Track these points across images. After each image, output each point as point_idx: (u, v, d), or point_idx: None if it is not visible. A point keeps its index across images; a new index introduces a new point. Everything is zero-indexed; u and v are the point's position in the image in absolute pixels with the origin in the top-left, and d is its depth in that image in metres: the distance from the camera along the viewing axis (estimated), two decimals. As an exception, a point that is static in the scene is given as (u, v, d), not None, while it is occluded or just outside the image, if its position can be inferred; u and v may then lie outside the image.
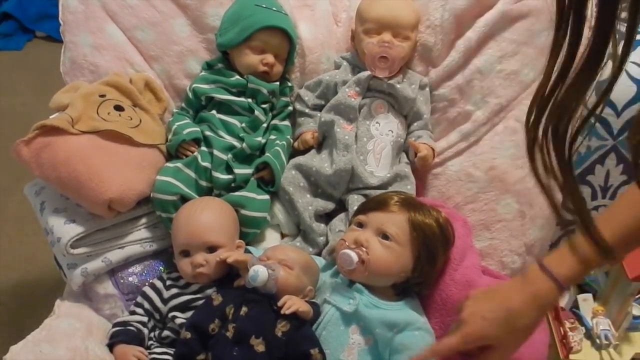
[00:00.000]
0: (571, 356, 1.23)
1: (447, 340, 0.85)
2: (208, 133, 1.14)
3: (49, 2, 2.94)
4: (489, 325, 0.83)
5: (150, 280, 1.09)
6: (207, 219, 1.04)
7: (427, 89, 1.21)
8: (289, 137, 1.21)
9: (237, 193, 1.12)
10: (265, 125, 1.18)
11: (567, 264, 0.78)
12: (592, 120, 0.56)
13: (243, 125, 1.16)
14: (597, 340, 1.23)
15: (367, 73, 1.16)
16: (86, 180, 1.01)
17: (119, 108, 1.12)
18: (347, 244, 0.95)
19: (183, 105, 1.22)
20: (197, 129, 1.15)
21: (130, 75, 1.20)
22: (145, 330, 1.02)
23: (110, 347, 0.99)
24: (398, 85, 1.16)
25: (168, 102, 1.23)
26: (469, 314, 0.84)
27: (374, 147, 1.15)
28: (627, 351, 1.24)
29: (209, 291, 1.02)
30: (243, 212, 1.10)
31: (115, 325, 1.03)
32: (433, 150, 1.17)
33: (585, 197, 1.55)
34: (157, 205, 1.09)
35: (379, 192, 1.11)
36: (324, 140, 1.20)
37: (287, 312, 0.91)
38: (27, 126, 1.06)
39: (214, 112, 1.17)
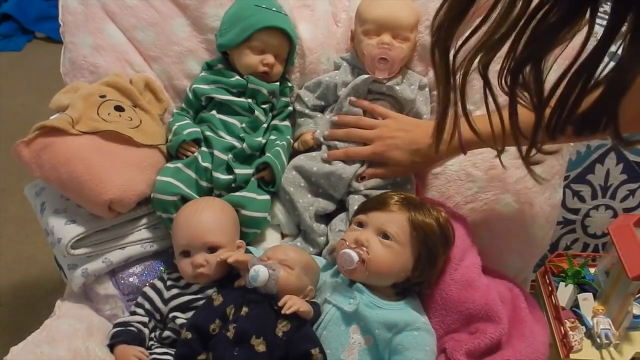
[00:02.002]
0: (571, 355, 1.23)
1: (361, 149, 1.12)
2: (208, 133, 1.14)
3: (49, 3, 2.95)
4: (400, 154, 1.10)
5: (151, 281, 1.09)
6: (207, 219, 1.04)
7: (427, 89, 1.21)
8: (289, 137, 1.21)
9: (237, 193, 1.12)
10: (265, 125, 1.18)
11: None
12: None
13: (243, 125, 1.16)
14: (598, 340, 1.24)
15: (363, 77, 1.15)
16: (86, 181, 1.01)
17: (119, 109, 1.13)
18: (347, 243, 0.95)
19: (183, 105, 1.22)
20: (198, 129, 1.15)
21: (130, 76, 1.20)
22: (146, 331, 1.02)
23: (111, 347, 0.99)
24: (397, 87, 1.16)
25: (168, 103, 1.23)
26: (388, 136, 1.10)
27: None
28: (628, 350, 1.24)
29: (210, 291, 1.02)
30: (243, 212, 1.10)
31: (115, 325, 1.03)
32: None
33: (585, 196, 1.56)
34: (158, 205, 1.09)
35: (379, 192, 1.11)
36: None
37: (288, 312, 0.91)
38: (27, 127, 1.06)
39: (214, 112, 1.17)
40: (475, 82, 1.15)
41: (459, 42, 0.64)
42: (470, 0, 0.60)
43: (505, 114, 0.70)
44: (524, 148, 0.71)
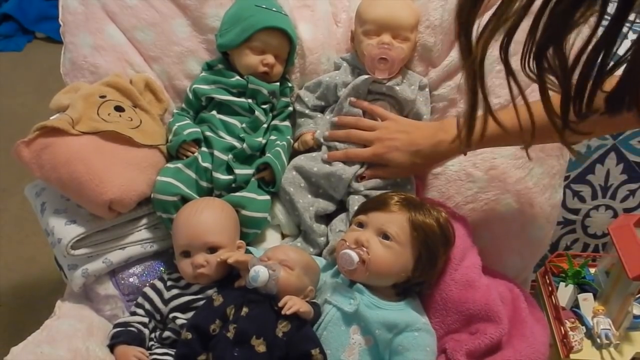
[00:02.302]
0: (572, 356, 1.23)
1: (361, 151, 1.12)
2: (208, 134, 1.14)
3: (49, 3, 2.95)
4: (400, 155, 1.09)
5: (151, 281, 1.09)
6: (207, 219, 1.04)
7: (427, 89, 1.21)
8: (289, 137, 1.21)
9: (237, 193, 1.12)
10: (265, 125, 1.18)
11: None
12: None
13: (243, 125, 1.16)
14: (598, 340, 1.24)
15: (363, 77, 1.15)
16: (87, 181, 1.01)
17: (119, 109, 1.13)
18: (347, 244, 0.95)
19: (183, 105, 1.22)
20: (198, 129, 1.15)
21: (131, 76, 1.20)
22: (146, 331, 1.02)
23: (111, 347, 0.99)
24: (398, 87, 1.16)
25: (168, 103, 1.23)
26: (388, 138, 1.10)
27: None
28: (628, 350, 1.24)
29: (210, 292, 1.02)
30: (244, 212, 1.10)
31: (116, 326, 1.03)
32: None
33: (585, 197, 1.56)
34: (158, 205, 1.09)
35: (379, 192, 1.11)
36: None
37: (288, 312, 0.91)
38: (28, 127, 1.06)
39: (214, 112, 1.17)
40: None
41: (481, 28, 0.64)
42: None
43: (522, 104, 0.70)
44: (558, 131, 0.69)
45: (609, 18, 0.58)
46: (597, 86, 0.63)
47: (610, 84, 0.64)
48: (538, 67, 0.64)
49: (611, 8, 0.58)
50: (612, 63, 0.61)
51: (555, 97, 0.67)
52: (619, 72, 0.63)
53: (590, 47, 0.60)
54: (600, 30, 0.59)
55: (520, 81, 0.67)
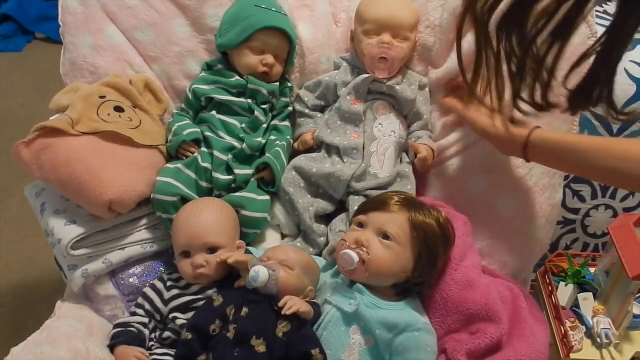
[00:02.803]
0: (572, 355, 1.22)
1: (465, 109, 1.07)
2: (208, 134, 1.14)
3: (49, 4, 2.95)
4: (493, 131, 1.01)
5: (151, 282, 1.09)
6: (207, 219, 1.04)
7: (427, 89, 1.21)
8: (289, 137, 1.21)
9: (237, 194, 1.12)
10: (265, 125, 1.18)
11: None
12: None
13: (243, 126, 1.16)
14: (598, 340, 1.23)
15: (364, 76, 1.16)
16: (86, 182, 1.01)
17: (119, 109, 1.13)
18: (347, 244, 0.96)
19: (183, 106, 1.22)
20: (197, 129, 1.15)
21: (130, 77, 1.20)
22: (146, 332, 1.02)
23: (111, 348, 0.99)
24: (398, 87, 1.16)
25: (168, 103, 1.23)
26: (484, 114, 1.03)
27: (377, 149, 1.15)
28: (628, 350, 1.24)
29: (210, 292, 1.02)
30: (243, 212, 1.10)
31: (116, 326, 1.03)
32: (433, 151, 1.17)
33: (585, 196, 1.56)
34: (158, 206, 1.09)
35: (379, 192, 1.11)
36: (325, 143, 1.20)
37: (288, 312, 0.91)
38: (28, 128, 1.06)
39: (214, 112, 1.17)
40: None
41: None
42: None
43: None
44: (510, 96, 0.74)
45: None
46: (553, 72, 0.64)
47: (571, 82, 0.65)
48: (499, 35, 0.65)
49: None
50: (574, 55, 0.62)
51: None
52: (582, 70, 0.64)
53: (549, 30, 0.61)
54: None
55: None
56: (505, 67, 0.72)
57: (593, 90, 0.65)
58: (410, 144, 1.17)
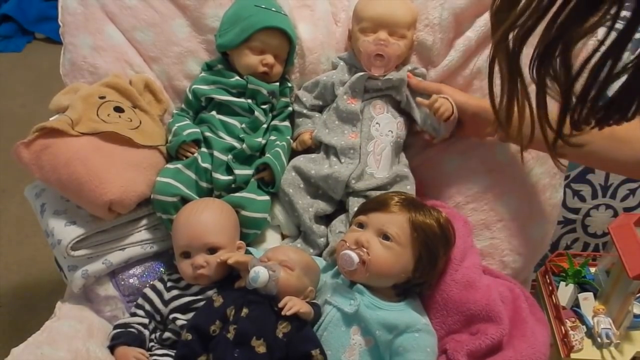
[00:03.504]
0: (572, 355, 1.23)
1: (428, 82, 1.15)
2: (208, 134, 1.14)
3: (49, 4, 2.95)
4: (463, 98, 1.09)
5: (151, 282, 1.08)
6: (207, 220, 1.04)
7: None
8: (289, 137, 1.21)
9: (237, 194, 1.12)
10: (265, 126, 1.18)
11: None
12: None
13: (243, 126, 1.16)
14: (598, 339, 1.23)
15: (359, 74, 1.15)
16: (86, 182, 1.01)
17: (118, 109, 1.12)
18: (347, 244, 0.95)
19: (183, 106, 1.22)
20: (197, 130, 1.15)
21: (130, 77, 1.20)
22: (146, 332, 1.02)
23: (111, 348, 0.99)
24: (393, 77, 1.15)
25: (168, 103, 1.23)
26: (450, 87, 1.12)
27: (374, 149, 1.15)
28: (628, 350, 1.24)
29: (210, 292, 1.02)
30: (243, 213, 1.10)
31: (116, 327, 1.03)
32: (449, 101, 1.09)
33: (585, 196, 1.56)
34: (158, 206, 1.09)
35: (379, 193, 1.10)
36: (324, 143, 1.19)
37: (288, 313, 0.91)
38: (27, 128, 1.06)
39: (213, 113, 1.17)
40: (476, 82, 1.16)
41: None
42: None
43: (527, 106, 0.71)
44: (550, 138, 0.70)
45: (619, 26, 0.58)
46: (600, 94, 0.63)
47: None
48: (539, 67, 0.64)
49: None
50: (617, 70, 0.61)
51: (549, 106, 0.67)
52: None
53: (598, 55, 0.60)
54: (609, 39, 0.59)
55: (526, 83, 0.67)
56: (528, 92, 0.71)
57: (632, 103, 0.64)
58: (419, 100, 1.13)
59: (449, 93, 1.10)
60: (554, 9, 0.59)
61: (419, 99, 1.14)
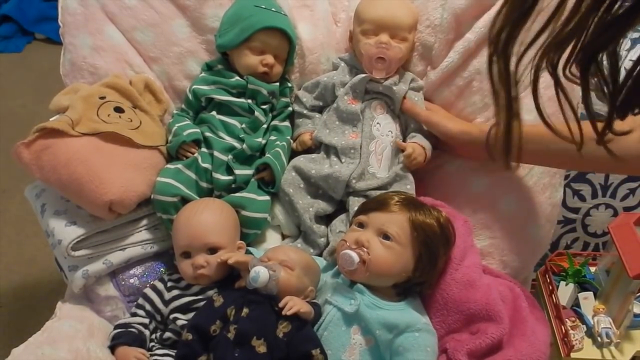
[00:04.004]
0: (572, 354, 1.23)
1: (419, 109, 1.17)
2: (208, 134, 1.14)
3: (49, 4, 2.95)
4: (450, 125, 1.13)
5: (151, 282, 1.09)
6: (207, 220, 1.04)
7: (421, 92, 1.21)
8: (289, 137, 1.21)
9: (237, 194, 1.12)
10: (265, 126, 1.18)
11: None
12: None
13: (243, 126, 1.16)
14: (599, 339, 1.23)
15: (361, 76, 1.15)
16: (87, 182, 1.01)
17: (119, 110, 1.13)
18: (348, 244, 0.95)
19: (183, 106, 1.22)
20: (197, 130, 1.15)
21: (130, 77, 1.20)
22: (147, 332, 1.02)
23: (112, 349, 0.99)
24: (394, 87, 1.16)
25: (168, 104, 1.23)
26: (439, 113, 1.17)
27: (376, 148, 1.15)
28: (629, 349, 1.24)
29: (210, 292, 1.02)
30: (244, 213, 1.10)
31: (116, 327, 1.03)
32: (423, 148, 1.15)
33: (585, 195, 1.56)
34: (158, 206, 1.09)
35: (379, 192, 1.11)
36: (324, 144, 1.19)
37: (289, 313, 0.91)
38: (27, 128, 1.06)
39: (214, 113, 1.17)
40: (475, 84, 1.16)
41: (522, 48, 0.64)
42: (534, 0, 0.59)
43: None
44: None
45: None
46: None
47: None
48: (585, 71, 0.63)
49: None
50: None
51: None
52: None
53: None
54: None
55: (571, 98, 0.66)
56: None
57: None
58: (397, 142, 1.17)
59: (436, 121, 1.15)
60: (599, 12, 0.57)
61: (398, 141, 1.17)
